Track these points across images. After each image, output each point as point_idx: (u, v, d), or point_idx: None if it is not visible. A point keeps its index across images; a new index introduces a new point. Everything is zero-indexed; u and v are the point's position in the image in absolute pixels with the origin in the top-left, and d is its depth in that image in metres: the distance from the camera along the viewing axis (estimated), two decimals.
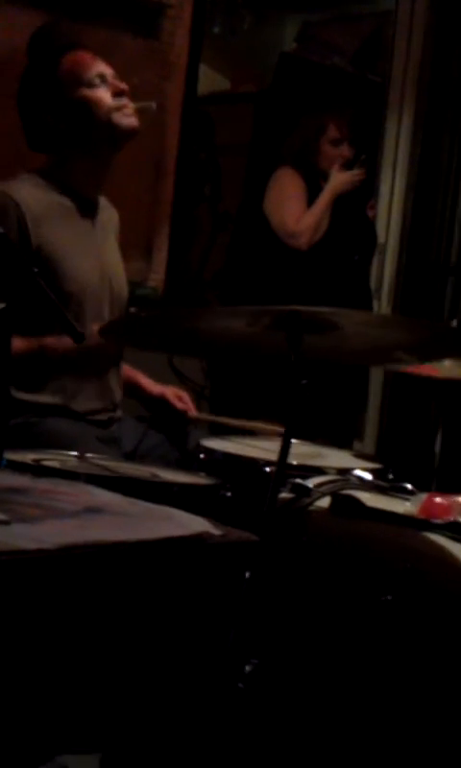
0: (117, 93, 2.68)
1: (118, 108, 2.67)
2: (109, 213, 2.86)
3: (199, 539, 1.45)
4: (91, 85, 2.67)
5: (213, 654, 1.52)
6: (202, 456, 2.49)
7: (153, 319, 2.25)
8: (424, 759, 1.92)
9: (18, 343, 2.39)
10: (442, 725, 1.93)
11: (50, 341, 2.56)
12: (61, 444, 2.37)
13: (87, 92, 2.66)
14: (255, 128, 5.14)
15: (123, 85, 2.69)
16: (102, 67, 2.69)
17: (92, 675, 1.38)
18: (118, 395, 2.80)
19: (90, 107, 2.66)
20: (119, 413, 2.80)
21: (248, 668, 1.81)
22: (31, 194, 2.63)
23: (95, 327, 2.37)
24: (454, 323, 3.26)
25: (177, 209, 4.11)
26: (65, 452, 2.23)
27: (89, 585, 1.34)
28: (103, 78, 2.68)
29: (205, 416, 3.16)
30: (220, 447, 2.51)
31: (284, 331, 2.04)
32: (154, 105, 2.74)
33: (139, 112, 2.71)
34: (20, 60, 2.80)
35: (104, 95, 2.67)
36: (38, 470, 1.95)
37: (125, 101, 2.68)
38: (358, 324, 2.13)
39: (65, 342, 2.50)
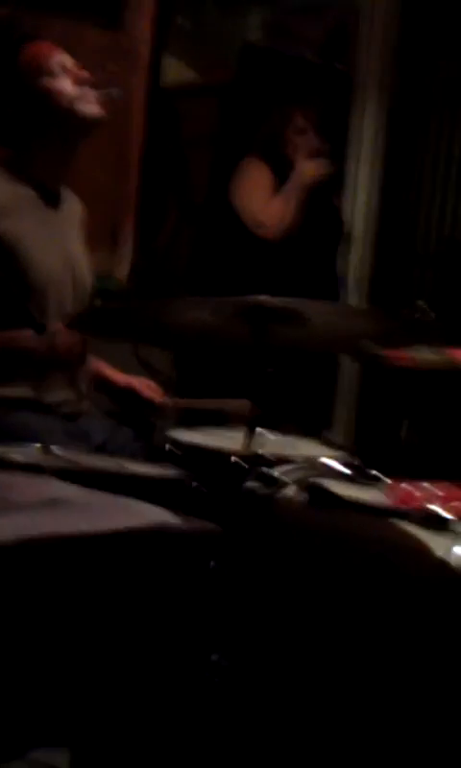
0: (80, 82, 2.67)
1: (80, 97, 2.66)
2: (72, 204, 2.85)
3: (158, 529, 1.45)
4: (52, 75, 2.66)
5: (178, 643, 1.52)
6: (168, 448, 2.49)
7: (119, 310, 2.25)
8: (392, 745, 1.93)
9: None
10: (414, 713, 1.94)
11: (14, 337, 2.55)
12: (29, 437, 2.36)
13: (49, 82, 2.66)
14: (221, 119, 5.12)
15: (84, 74, 2.68)
16: (62, 57, 2.69)
17: (58, 668, 1.37)
18: (85, 388, 2.79)
19: (52, 96, 2.65)
20: (87, 405, 2.79)
21: (214, 658, 1.81)
22: None
23: (61, 327, 2.37)
24: (422, 303, 3.26)
25: (142, 201, 4.11)
26: (31, 445, 2.22)
27: (49, 578, 1.34)
28: (64, 67, 2.67)
29: (176, 400, 3.15)
30: (187, 438, 2.51)
31: (248, 322, 2.05)
32: (117, 91, 2.73)
33: (103, 100, 2.70)
34: None
35: (65, 84, 2.66)
36: (0, 464, 1.94)
37: (87, 89, 2.68)
38: (322, 314, 2.14)
39: (30, 339, 2.51)
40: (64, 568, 1.36)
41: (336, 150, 4.51)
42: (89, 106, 2.67)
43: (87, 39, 3.78)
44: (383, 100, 4.86)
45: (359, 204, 4.86)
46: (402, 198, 4.87)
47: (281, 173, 4.31)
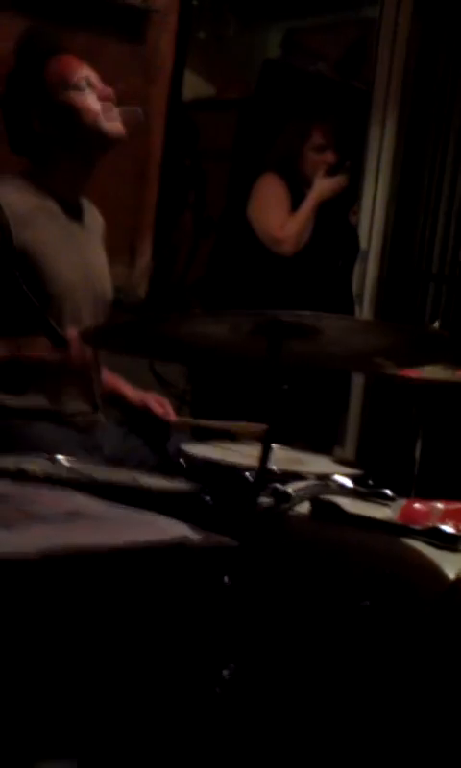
0: (103, 98, 2.68)
1: (104, 113, 2.67)
2: (93, 216, 2.86)
3: (179, 543, 1.45)
4: (77, 89, 2.67)
5: (192, 658, 1.52)
6: (182, 461, 2.49)
7: (135, 324, 2.25)
8: (401, 764, 1.92)
9: None
10: (419, 730, 1.93)
11: (28, 350, 2.56)
12: (43, 448, 2.36)
13: (74, 96, 2.66)
14: (239, 134, 5.14)
15: (109, 90, 2.69)
16: (88, 71, 2.69)
17: (71, 680, 1.37)
18: (99, 400, 2.80)
19: (76, 111, 2.66)
20: (101, 416, 2.79)
21: (225, 673, 1.81)
22: (13, 196, 2.62)
23: (75, 339, 2.36)
24: (436, 324, 3.27)
25: (160, 215, 4.12)
26: (46, 456, 2.22)
27: (70, 590, 1.34)
28: (89, 82, 2.68)
29: (186, 419, 3.16)
30: (200, 453, 2.51)
31: (265, 337, 2.05)
32: (140, 110, 2.74)
33: (125, 118, 2.71)
34: (9, 64, 2.81)
35: (90, 99, 2.67)
36: (19, 475, 1.95)
37: (111, 106, 2.68)
38: (339, 329, 2.14)
39: (44, 352, 2.52)
40: (85, 581, 1.36)
41: (352, 167, 4.52)
42: (113, 123, 2.68)
43: (109, 52, 3.79)
44: (399, 118, 4.87)
45: (375, 222, 4.86)
46: (417, 215, 4.87)
47: (298, 189, 4.32)
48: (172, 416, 2.89)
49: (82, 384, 2.73)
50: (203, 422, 2.95)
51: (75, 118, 2.65)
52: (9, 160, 2.81)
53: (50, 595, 1.32)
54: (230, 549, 1.51)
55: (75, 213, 2.76)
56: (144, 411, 2.87)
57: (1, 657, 1.30)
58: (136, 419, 2.87)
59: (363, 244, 4.79)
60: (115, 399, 2.90)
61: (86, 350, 2.56)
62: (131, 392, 2.92)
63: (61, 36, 2.93)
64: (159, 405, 2.88)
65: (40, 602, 1.31)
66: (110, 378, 2.89)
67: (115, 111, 2.68)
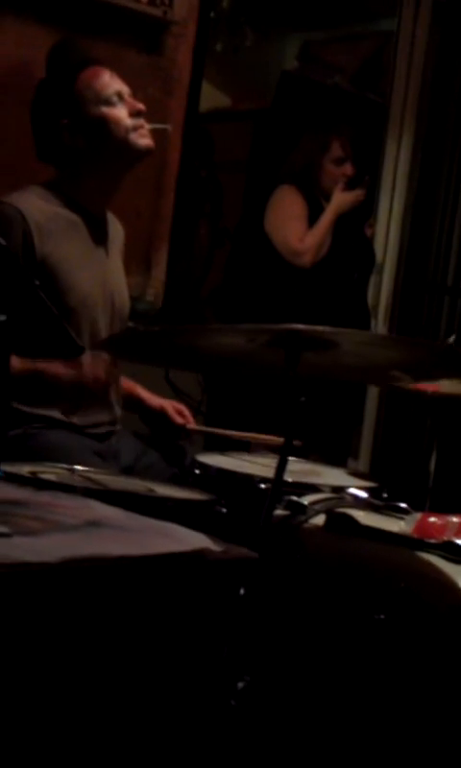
0: (134, 113, 2.68)
1: (135, 129, 2.67)
2: (115, 229, 2.86)
3: (199, 554, 1.45)
4: (109, 104, 2.66)
5: (207, 670, 1.52)
6: (197, 472, 2.50)
7: (152, 334, 2.25)
8: None
9: (15, 363, 2.39)
10: (435, 743, 1.93)
11: (45, 366, 2.56)
12: (58, 456, 2.37)
13: (106, 110, 2.66)
14: (254, 145, 5.16)
15: (140, 105, 2.68)
16: (119, 85, 2.69)
17: (88, 688, 1.38)
18: (118, 410, 2.80)
19: (108, 125, 2.65)
20: (118, 427, 2.80)
21: (240, 685, 1.81)
22: (37, 207, 2.63)
23: (89, 355, 2.37)
24: (452, 339, 3.26)
25: (176, 225, 4.12)
26: (61, 465, 2.23)
27: (90, 598, 1.35)
28: (121, 96, 2.68)
29: (203, 427, 3.17)
30: (215, 463, 2.51)
31: (283, 349, 2.05)
32: (170, 127, 2.75)
33: (154, 134, 2.71)
34: (30, 72, 2.82)
35: (121, 114, 2.66)
36: (35, 483, 1.95)
37: (142, 121, 2.68)
38: (357, 343, 2.14)
39: (59, 368, 2.53)
40: (105, 590, 1.36)
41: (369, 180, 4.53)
42: (143, 139, 2.68)
43: (128, 63, 3.80)
44: (416, 131, 4.88)
45: (390, 234, 4.87)
46: (432, 228, 4.88)
47: (315, 202, 4.32)
48: (192, 423, 2.90)
49: (99, 396, 2.73)
50: (218, 431, 2.96)
51: (105, 132, 2.65)
52: (35, 169, 2.81)
53: (69, 603, 1.32)
54: (249, 561, 1.51)
55: (99, 226, 2.76)
56: (162, 417, 2.87)
57: (23, 664, 1.30)
58: (154, 425, 2.88)
59: (378, 257, 4.79)
60: (135, 404, 2.90)
61: (100, 365, 2.57)
62: (150, 398, 2.92)
63: (84, 45, 2.94)
64: (178, 413, 2.88)
65: (60, 609, 1.31)
66: (128, 383, 2.90)
67: (146, 127, 2.69)
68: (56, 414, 2.64)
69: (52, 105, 2.68)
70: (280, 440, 2.07)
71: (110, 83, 2.68)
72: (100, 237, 2.76)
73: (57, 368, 2.53)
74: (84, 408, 2.69)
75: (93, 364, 2.66)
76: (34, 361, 2.54)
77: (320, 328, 1.99)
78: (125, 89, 2.70)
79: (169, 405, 2.89)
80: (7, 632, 1.27)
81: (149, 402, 2.90)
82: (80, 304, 2.64)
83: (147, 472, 2.65)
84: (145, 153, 2.71)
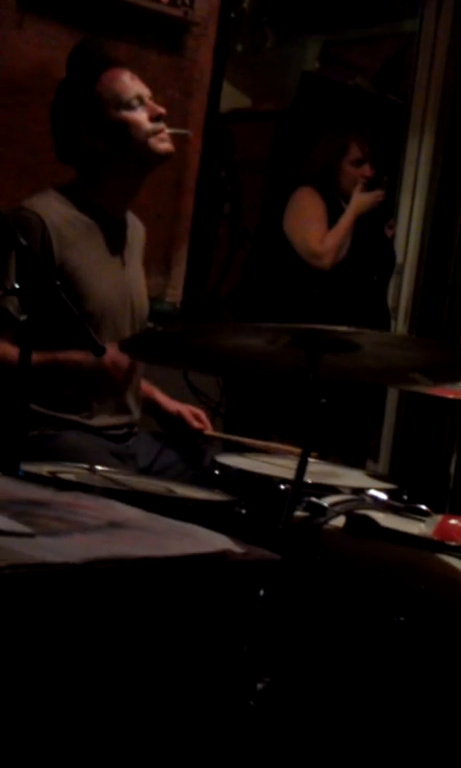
0: (154, 117, 2.67)
1: (155, 133, 2.65)
2: (136, 231, 2.84)
3: (222, 556, 1.45)
4: (130, 107, 2.64)
5: (226, 671, 1.51)
6: (217, 473, 2.49)
7: (171, 335, 2.25)
8: None
9: (35, 356, 2.39)
10: (457, 745, 1.92)
11: (65, 355, 2.55)
12: (76, 457, 2.37)
13: (126, 114, 2.64)
14: (274, 146, 5.15)
15: (161, 109, 2.66)
16: (140, 88, 2.67)
17: (113, 687, 1.38)
18: (137, 413, 2.79)
19: (128, 129, 2.64)
20: (136, 430, 2.79)
21: (260, 686, 1.81)
22: (57, 211, 2.61)
23: (112, 346, 2.36)
24: None
25: (196, 225, 4.12)
26: (80, 465, 2.23)
27: (112, 599, 1.34)
28: (141, 100, 2.66)
29: (220, 434, 3.15)
30: (235, 464, 2.51)
31: (304, 350, 2.04)
32: (190, 133, 2.73)
33: (174, 138, 2.70)
34: (50, 72, 2.81)
35: (141, 118, 2.65)
36: (54, 483, 1.95)
37: (162, 125, 2.67)
38: (377, 344, 2.14)
39: (80, 355, 2.51)
40: (128, 591, 1.36)
41: (389, 180, 4.52)
42: (163, 144, 2.66)
43: (150, 63, 3.80)
44: (437, 132, 4.87)
45: (411, 236, 4.86)
46: (453, 230, 4.86)
47: (334, 203, 4.32)
48: (209, 428, 2.89)
49: (117, 394, 2.72)
50: (235, 438, 2.95)
51: (125, 136, 2.64)
52: (56, 170, 2.81)
53: (91, 603, 1.32)
54: (270, 563, 1.50)
55: (118, 230, 2.75)
56: (179, 422, 2.86)
57: (46, 664, 1.30)
58: (171, 429, 2.87)
59: (399, 258, 4.78)
60: (152, 408, 2.89)
61: (123, 358, 2.55)
62: (167, 402, 2.91)
63: (106, 46, 2.94)
64: (196, 418, 2.87)
65: (82, 610, 1.31)
66: (146, 387, 2.89)
67: (167, 131, 2.67)
68: (74, 417, 2.64)
69: (72, 107, 2.67)
70: (298, 450, 2.06)
71: (131, 85, 2.66)
72: (119, 241, 2.74)
73: (76, 354, 2.51)
74: (103, 411, 2.68)
75: (113, 351, 2.64)
76: (53, 352, 2.53)
77: (341, 329, 1.99)
78: (146, 92, 2.68)
79: (186, 410, 2.88)
80: (30, 632, 1.27)
81: (166, 407, 2.89)
82: (98, 310, 2.63)
83: (165, 473, 2.64)
84: (165, 157, 2.69)
